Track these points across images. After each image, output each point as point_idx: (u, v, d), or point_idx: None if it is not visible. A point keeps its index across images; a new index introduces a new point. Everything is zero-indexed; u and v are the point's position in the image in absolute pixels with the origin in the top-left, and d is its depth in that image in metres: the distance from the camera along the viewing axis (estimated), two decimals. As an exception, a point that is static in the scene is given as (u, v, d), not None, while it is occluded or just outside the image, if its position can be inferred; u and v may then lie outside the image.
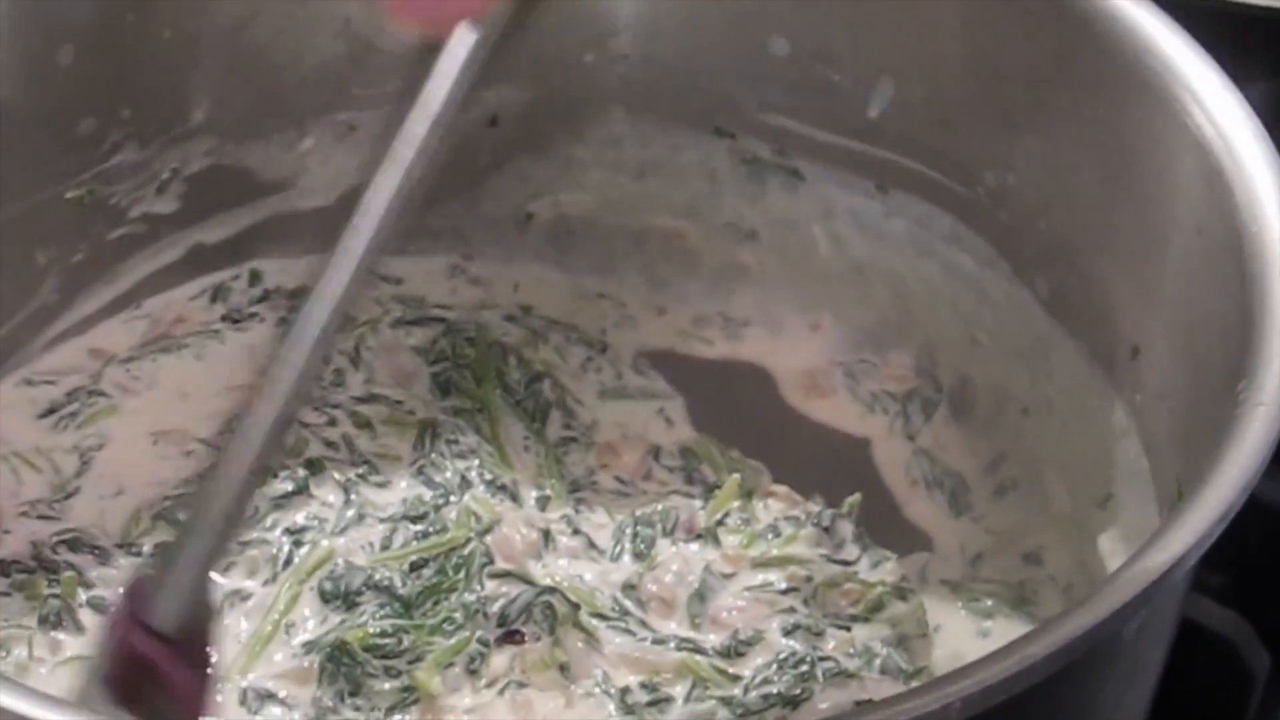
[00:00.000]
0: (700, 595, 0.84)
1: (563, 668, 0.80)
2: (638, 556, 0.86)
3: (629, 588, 0.85)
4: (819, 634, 0.83)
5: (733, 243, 1.00)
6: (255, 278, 0.99)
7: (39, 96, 0.90)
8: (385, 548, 0.85)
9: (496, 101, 0.99)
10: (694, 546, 0.86)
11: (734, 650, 0.82)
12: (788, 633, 0.83)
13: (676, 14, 0.97)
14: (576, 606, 0.82)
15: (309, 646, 0.81)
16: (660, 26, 0.97)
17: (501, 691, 0.79)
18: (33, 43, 0.89)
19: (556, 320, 0.99)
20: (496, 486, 0.89)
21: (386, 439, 0.92)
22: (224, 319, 0.98)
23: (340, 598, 0.82)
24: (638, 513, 0.88)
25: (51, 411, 0.93)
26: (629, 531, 0.88)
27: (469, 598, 0.82)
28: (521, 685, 0.80)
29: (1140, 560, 0.64)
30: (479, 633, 0.81)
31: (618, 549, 0.87)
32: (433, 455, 0.90)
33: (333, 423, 0.92)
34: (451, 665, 0.80)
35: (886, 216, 0.96)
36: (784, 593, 0.84)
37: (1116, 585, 0.62)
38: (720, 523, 0.87)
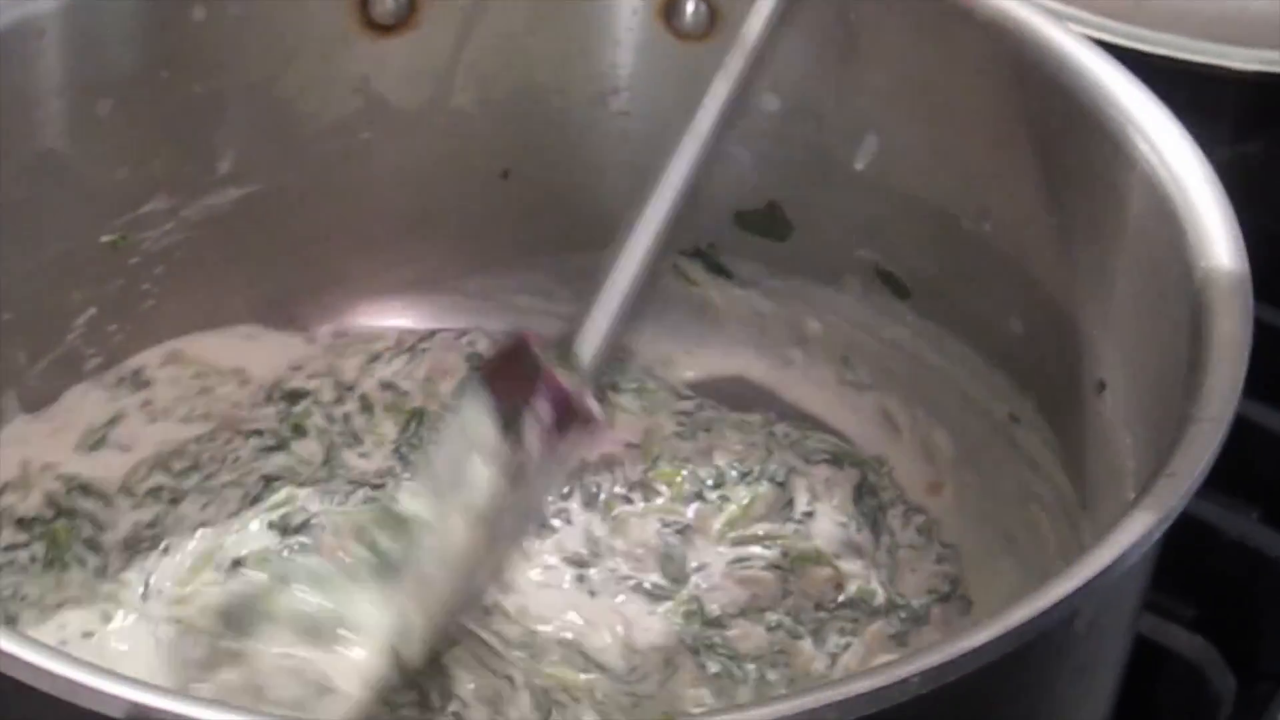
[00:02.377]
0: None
1: None
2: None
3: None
4: None
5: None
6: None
7: (79, 146, 0.95)
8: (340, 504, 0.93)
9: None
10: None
11: None
12: None
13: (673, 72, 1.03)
14: None
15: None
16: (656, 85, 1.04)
17: None
18: (75, 96, 0.94)
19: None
20: None
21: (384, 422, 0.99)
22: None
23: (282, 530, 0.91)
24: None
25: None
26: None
27: None
28: None
29: (1090, 555, 0.69)
30: None
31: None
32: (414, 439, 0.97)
33: (340, 401, 1.00)
34: None
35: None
36: None
37: (1064, 577, 0.67)
38: None
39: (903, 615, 0.91)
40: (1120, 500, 0.87)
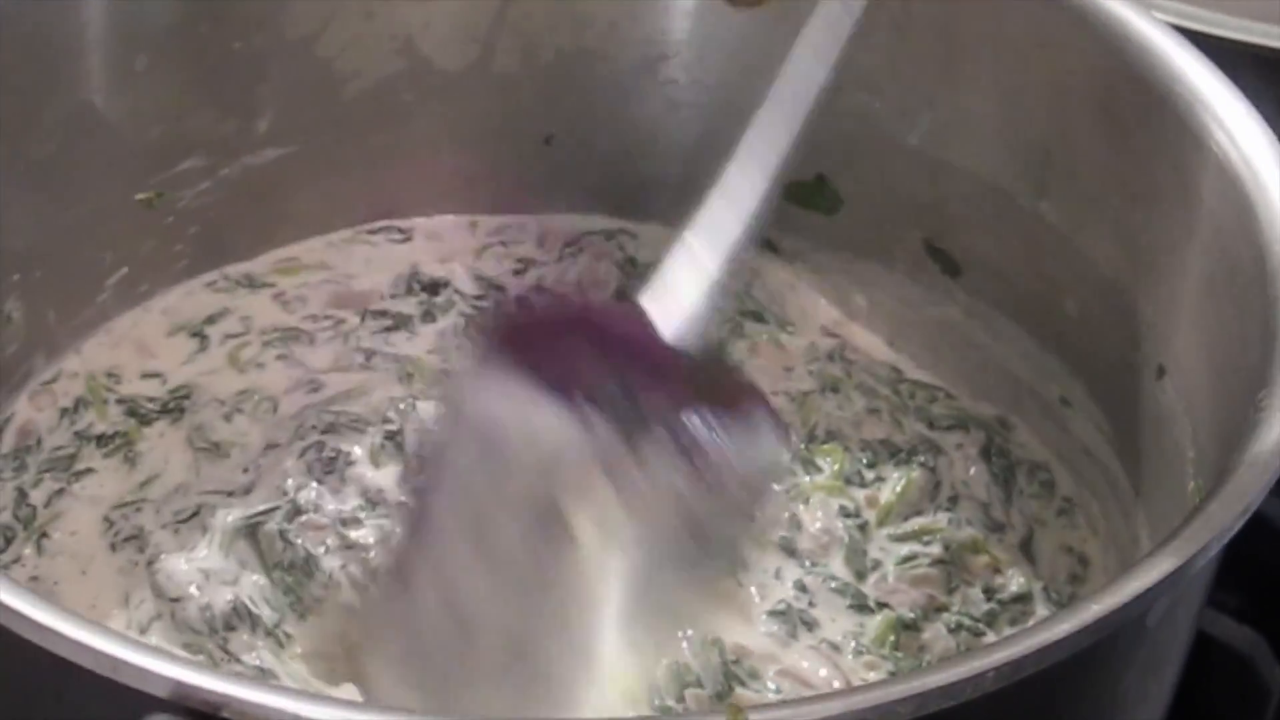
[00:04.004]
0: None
1: None
2: None
3: None
4: None
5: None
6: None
7: (116, 102, 0.92)
8: None
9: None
10: None
11: None
12: None
13: (725, 40, 1.00)
14: None
15: None
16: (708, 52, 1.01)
17: None
18: (112, 49, 0.91)
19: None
20: None
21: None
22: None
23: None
24: None
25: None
26: None
27: None
28: None
29: (1164, 550, 0.66)
30: None
31: None
32: None
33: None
34: None
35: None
36: None
37: (1141, 571, 0.65)
38: None
39: (1053, 596, 0.89)
40: (1177, 488, 0.85)
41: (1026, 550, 0.91)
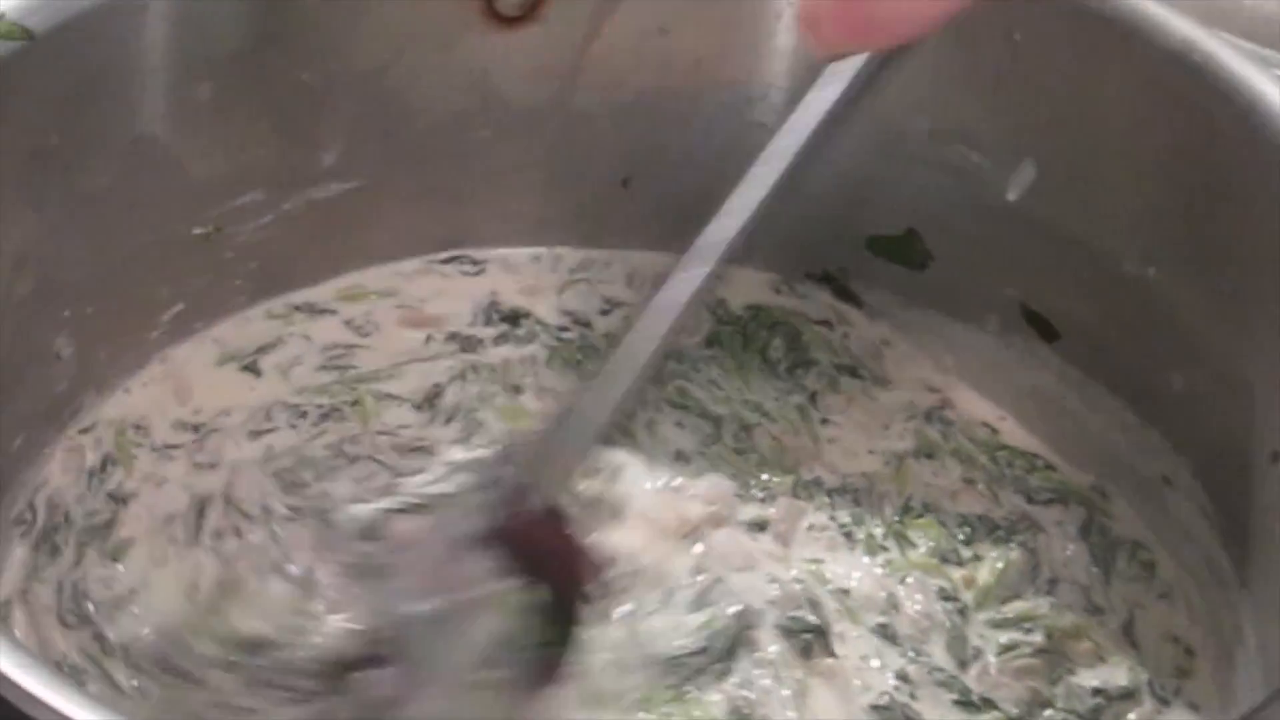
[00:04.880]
0: None
1: None
2: None
3: None
4: None
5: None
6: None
7: (176, 131, 0.88)
8: None
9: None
10: None
11: None
12: None
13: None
14: None
15: None
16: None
17: None
18: (175, 77, 0.87)
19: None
20: None
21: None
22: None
23: None
24: None
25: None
26: None
27: None
28: None
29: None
30: None
31: None
32: None
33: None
34: None
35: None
36: None
37: None
38: None
39: (1158, 690, 0.85)
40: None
41: (1129, 635, 0.86)
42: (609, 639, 0.80)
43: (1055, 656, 0.85)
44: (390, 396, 0.92)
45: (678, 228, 0.99)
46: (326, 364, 0.94)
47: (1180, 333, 0.88)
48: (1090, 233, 0.90)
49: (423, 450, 0.90)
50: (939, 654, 0.84)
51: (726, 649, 0.83)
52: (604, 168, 0.98)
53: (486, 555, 0.74)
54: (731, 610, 0.84)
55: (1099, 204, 0.90)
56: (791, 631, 0.84)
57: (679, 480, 0.90)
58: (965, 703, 0.82)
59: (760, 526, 0.88)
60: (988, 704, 0.82)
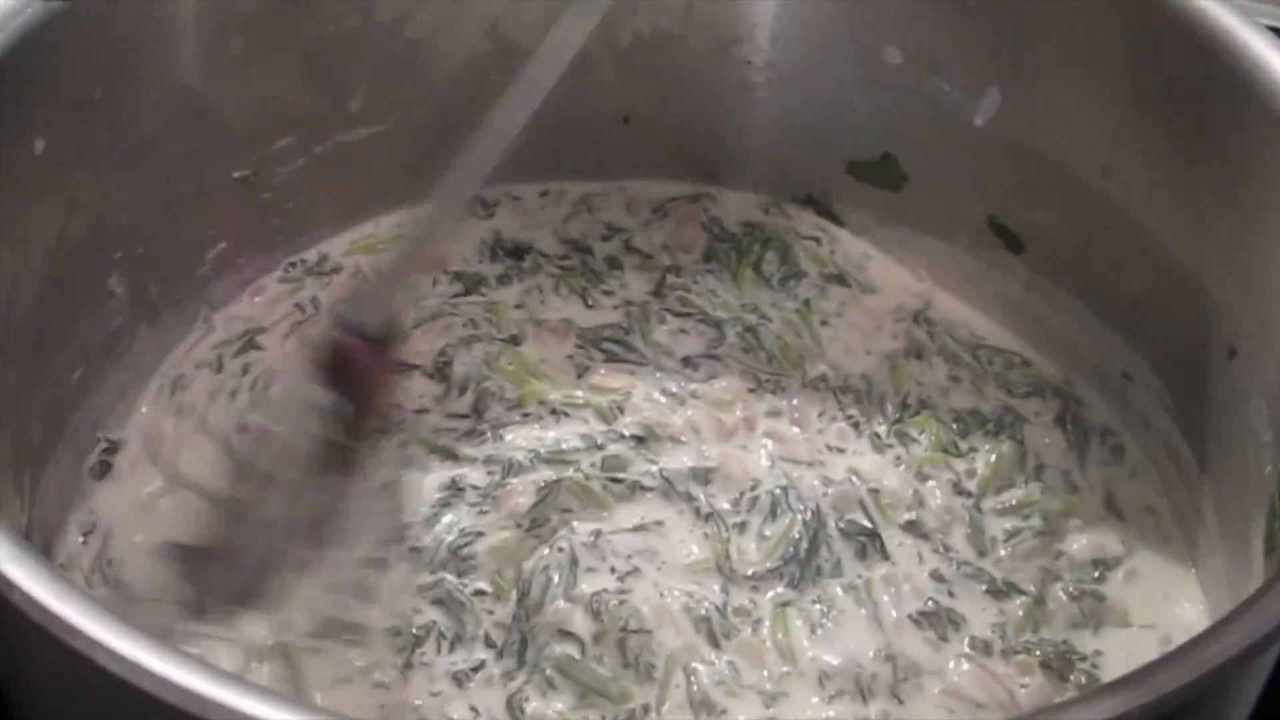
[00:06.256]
0: None
1: None
2: None
3: None
4: None
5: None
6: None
7: (213, 83, 0.80)
8: None
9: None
10: None
11: None
12: None
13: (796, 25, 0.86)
14: None
15: None
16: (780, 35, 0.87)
17: None
18: (209, 32, 0.78)
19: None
20: None
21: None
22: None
23: None
24: None
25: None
26: None
27: None
28: None
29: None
30: None
31: None
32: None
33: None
34: None
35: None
36: None
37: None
38: None
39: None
40: (1247, 468, 0.72)
41: (1112, 509, 0.79)
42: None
43: (1051, 537, 0.77)
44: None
45: (673, 157, 0.92)
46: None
47: (1137, 241, 0.79)
48: (1052, 152, 0.82)
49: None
50: (962, 546, 0.76)
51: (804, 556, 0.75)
52: (606, 107, 0.89)
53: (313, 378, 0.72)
54: (801, 516, 0.76)
55: (1060, 126, 0.81)
56: (849, 535, 0.76)
57: (692, 385, 0.82)
58: (994, 591, 0.75)
59: (777, 414, 0.80)
60: (1011, 588, 0.75)
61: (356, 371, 0.71)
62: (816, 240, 0.89)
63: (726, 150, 0.91)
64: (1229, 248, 0.74)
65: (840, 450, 0.79)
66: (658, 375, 0.82)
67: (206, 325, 0.83)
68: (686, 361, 0.83)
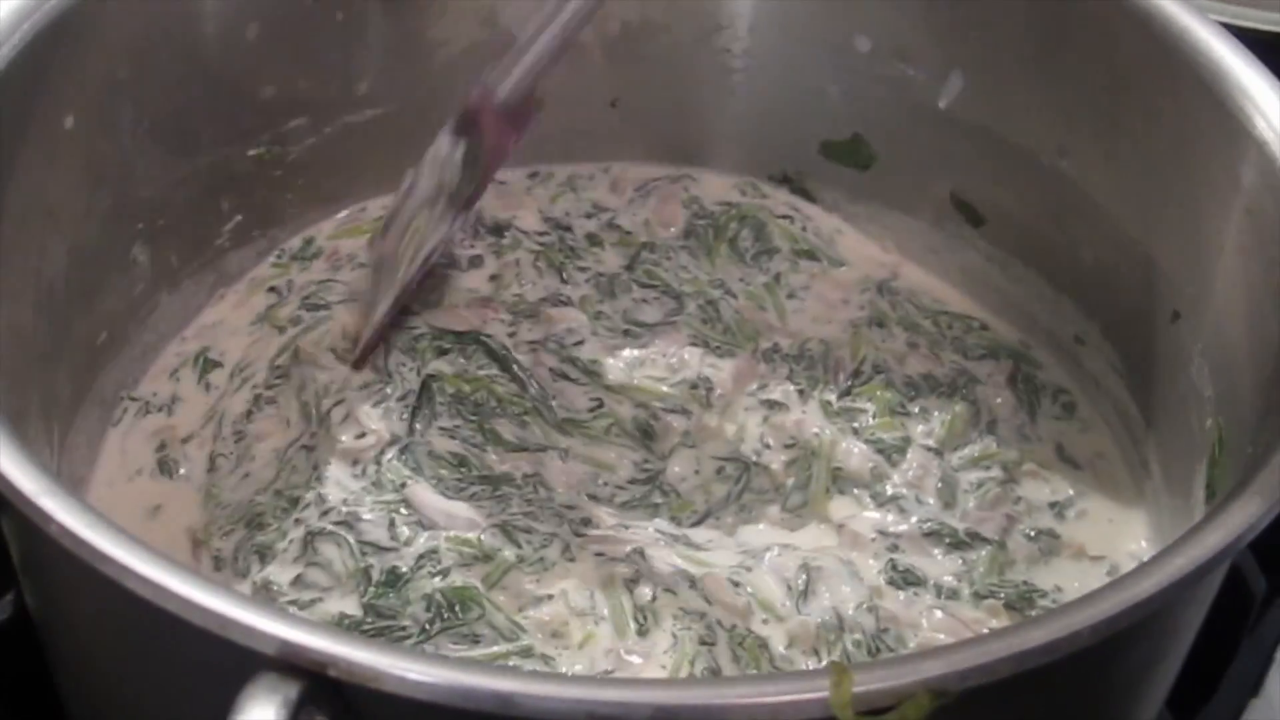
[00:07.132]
0: None
1: None
2: None
3: None
4: None
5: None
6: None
7: (230, 66, 0.80)
8: None
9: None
10: None
11: None
12: None
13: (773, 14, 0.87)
14: None
15: None
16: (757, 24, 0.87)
17: None
18: (227, 19, 0.79)
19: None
20: None
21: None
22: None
23: None
24: None
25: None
26: None
27: None
28: None
29: (1234, 507, 0.53)
30: None
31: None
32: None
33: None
34: None
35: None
36: None
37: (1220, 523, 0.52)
38: None
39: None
40: (1190, 422, 0.73)
41: (1063, 456, 0.80)
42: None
43: (1011, 484, 0.78)
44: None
45: (657, 139, 0.92)
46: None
47: (1089, 215, 0.80)
48: (1010, 132, 0.83)
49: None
50: (932, 502, 0.76)
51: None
52: (594, 91, 0.90)
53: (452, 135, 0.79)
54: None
55: (1019, 109, 0.82)
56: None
57: (638, 351, 0.81)
58: (956, 543, 0.75)
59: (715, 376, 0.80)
60: (975, 537, 0.75)
61: (484, 136, 0.76)
62: (790, 218, 0.90)
63: (707, 133, 0.91)
64: (1174, 221, 0.75)
65: (783, 406, 0.80)
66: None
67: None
68: (639, 324, 0.83)
